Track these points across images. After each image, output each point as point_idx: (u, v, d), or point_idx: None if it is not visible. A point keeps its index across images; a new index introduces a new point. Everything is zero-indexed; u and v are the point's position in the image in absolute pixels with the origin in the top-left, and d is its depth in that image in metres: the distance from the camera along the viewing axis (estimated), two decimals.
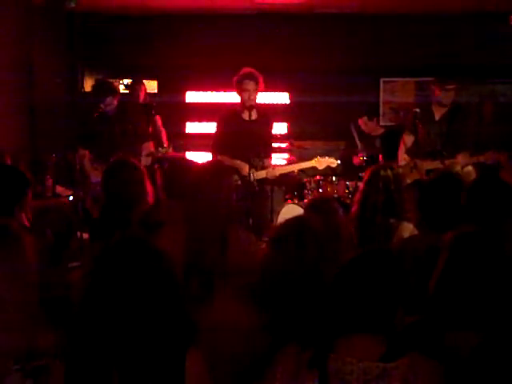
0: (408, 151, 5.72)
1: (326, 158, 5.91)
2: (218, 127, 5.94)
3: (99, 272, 1.92)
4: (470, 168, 5.41)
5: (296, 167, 5.83)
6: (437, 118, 5.64)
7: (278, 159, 7.59)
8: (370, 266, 2.04)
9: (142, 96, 7.52)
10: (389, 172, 3.83)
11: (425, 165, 5.51)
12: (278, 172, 5.78)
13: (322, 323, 2.11)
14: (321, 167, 5.92)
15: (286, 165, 5.91)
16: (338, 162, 5.99)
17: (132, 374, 1.85)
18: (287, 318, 2.31)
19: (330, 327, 2.04)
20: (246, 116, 5.73)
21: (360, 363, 1.92)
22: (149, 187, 3.86)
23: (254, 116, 5.73)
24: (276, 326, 2.30)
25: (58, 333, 2.04)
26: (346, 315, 2.02)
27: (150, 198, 3.83)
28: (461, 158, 5.36)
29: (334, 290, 2.08)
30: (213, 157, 5.87)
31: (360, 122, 7.71)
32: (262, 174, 5.70)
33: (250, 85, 5.63)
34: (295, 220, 2.73)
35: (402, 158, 5.70)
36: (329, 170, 7.53)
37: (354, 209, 3.95)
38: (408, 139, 5.77)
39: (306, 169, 5.97)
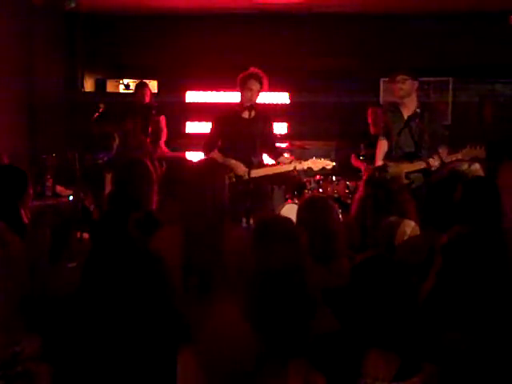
0: (384, 158, 5.65)
1: (322, 159, 5.87)
2: (213, 126, 5.92)
3: (91, 272, 1.91)
4: (477, 166, 5.36)
5: (290, 167, 5.77)
6: (405, 117, 5.58)
7: None
8: (371, 278, 2.00)
9: (147, 99, 7.55)
10: (377, 175, 3.83)
11: (403, 168, 5.40)
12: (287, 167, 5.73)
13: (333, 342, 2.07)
14: (316, 168, 5.87)
15: (282, 163, 5.83)
16: (333, 163, 5.94)
17: (124, 373, 1.84)
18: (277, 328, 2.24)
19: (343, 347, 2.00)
20: (244, 115, 5.73)
21: (375, 383, 1.90)
22: (155, 189, 3.86)
23: (252, 115, 5.73)
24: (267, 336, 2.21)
25: (45, 335, 2.00)
26: (358, 332, 1.99)
27: (155, 199, 3.83)
28: (436, 158, 5.29)
29: (341, 306, 2.05)
30: (204, 155, 5.85)
31: (371, 110, 7.58)
32: (259, 172, 5.68)
33: (255, 85, 5.64)
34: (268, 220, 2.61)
35: (379, 163, 5.62)
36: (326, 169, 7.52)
37: (352, 211, 3.95)
38: (383, 144, 5.72)
39: (303, 170, 5.91)
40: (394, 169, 5.31)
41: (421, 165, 5.30)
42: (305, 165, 5.76)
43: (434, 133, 5.43)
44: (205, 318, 2.35)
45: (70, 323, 1.92)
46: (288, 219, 2.55)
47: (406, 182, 5.34)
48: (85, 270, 1.93)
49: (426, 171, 5.27)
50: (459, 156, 5.26)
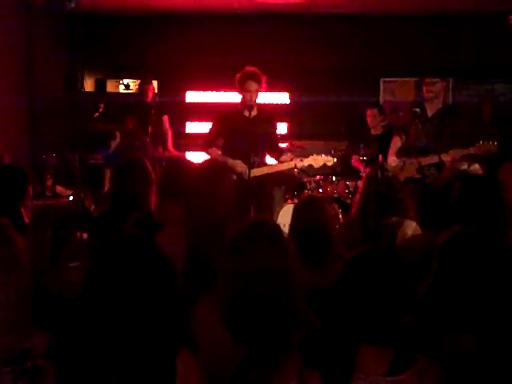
0: (397, 152, 5.72)
1: (323, 155, 5.87)
2: (213, 124, 5.92)
3: (97, 270, 1.91)
4: (476, 166, 5.41)
5: (291, 165, 5.78)
6: (429, 115, 5.65)
7: None
8: (364, 271, 2.00)
9: (150, 96, 7.55)
10: (379, 175, 3.82)
11: (415, 162, 5.49)
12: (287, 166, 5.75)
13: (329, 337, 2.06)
14: (317, 165, 5.88)
15: (283, 162, 5.83)
16: (335, 160, 5.94)
17: (126, 372, 1.84)
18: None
19: (338, 342, 2.00)
20: (246, 114, 5.72)
21: (368, 378, 1.90)
22: (154, 189, 3.87)
23: (254, 114, 5.72)
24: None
25: (51, 333, 2.02)
26: (351, 327, 1.98)
27: (153, 200, 3.84)
28: (453, 153, 5.36)
29: (334, 299, 2.05)
30: (204, 151, 5.86)
31: (369, 112, 7.66)
32: (258, 172, 5.67)
33: (253, 85, 5.60)
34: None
35: (392, 159, 5.68)
36: (327, 168, 7.53)
37: (353, 211, 3.95)
38: (398, 141, 5.78)
39: (304, 167, 5.93)
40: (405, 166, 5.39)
41: (433, 159, 5.35)
42: (306, 162, 5.75)
43: (455, 134, 5.48)
44: (206, 318, 2.35)
45: (74, 322, 1.92)
46: (273, 223, 2.53)
47: (418, 176, 5.41)
48: (90, 269, 1.93)
49: (439, 166, 5.32)
50: (471, 151, 5.30)
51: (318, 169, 6.36)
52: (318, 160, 5.82)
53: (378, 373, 1.90)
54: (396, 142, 5.79)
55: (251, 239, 2.27)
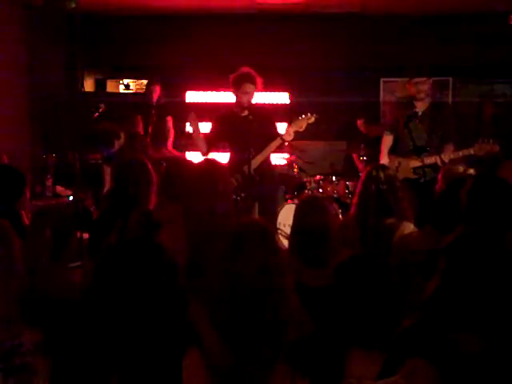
0: (390, 151, 5.72)
1: (302, 116, 5.78)
2: (212, 127, 5.92)
3: (106, 271, 1.91)
4: (471, 171, 5.40)
5: (278, 141, 5.66)
6: (419, 112, 5.66)
7: (278, 159, 7.60)
8: (358, 275, 2.00)
9: (154, 97, 7.54)
10: (380, 173, 3.81)
11: (411, 163, 5.49)
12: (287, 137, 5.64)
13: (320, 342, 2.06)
14: (301, 129, 5.76)
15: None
16: (314, 115, 5.85)
17: (131, 371, 1.85)
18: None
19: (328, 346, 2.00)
20: (243, 114, 5.72)
21: (359, 382, 1.89)
22: (154, 189, 3.87)
23: (250, 114, 5.69)
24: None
25: (50, 332, 2.02)
26: (342, 331, 1.98)
27: (153, 200, 3.84)
28: (446, 153, 5.35)
29: (324, 305, 2.05)
30: (201, 155, 5.86)
31: (358, 123, 7.83)
32: (257, 161, 5.62)
33: (249, 87, 5.59)
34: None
35: (385, 158, 5.67)
36: (326, 169, 7.51)
37: (351, 211, 3.93)
38: (388, 140, 5.78)
39: (290, 140, 5.77)
40: (402, 164, 5.40)
41: (431, 160, 5.34)
42: (290, 131, 5.67)
43: (445, 132, 5.49)
44: (205, 317, 2.35)
45: (78, 321, 1.93)
46: (264, 223, 2.52)
47: (414, 176, 5.40)
48: (98, 270, 1.93)
49: (437, 167, 5.31)
50: (471, 151, 5.29)
51: (317, 168, 6.31)
52: (300, 123, 5.73)
53: (368, 376, 1.90)
54: (386, 142, 5.79)
55: (242, 240, 2.27)
